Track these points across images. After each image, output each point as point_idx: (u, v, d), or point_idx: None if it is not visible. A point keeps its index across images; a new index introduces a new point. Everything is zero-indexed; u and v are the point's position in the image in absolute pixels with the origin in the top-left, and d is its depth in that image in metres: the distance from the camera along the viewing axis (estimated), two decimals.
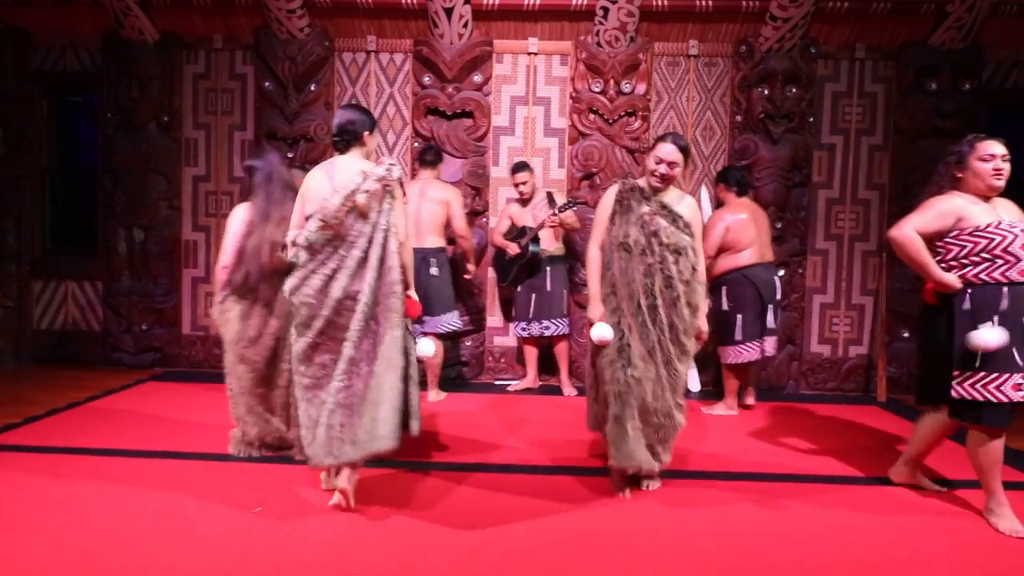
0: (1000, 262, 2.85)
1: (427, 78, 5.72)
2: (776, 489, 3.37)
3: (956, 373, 2.93)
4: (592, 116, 5.67)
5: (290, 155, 5.67)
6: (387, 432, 2.81)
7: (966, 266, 2.93)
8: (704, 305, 3.18)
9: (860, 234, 5.76)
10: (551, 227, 5.14)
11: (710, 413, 4.84)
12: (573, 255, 5.54)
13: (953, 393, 2.93)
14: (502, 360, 5.86)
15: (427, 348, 3.18)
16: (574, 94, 5.70)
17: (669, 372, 3.09)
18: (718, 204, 5.15)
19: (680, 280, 3.07)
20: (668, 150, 3.13)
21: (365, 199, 2.83)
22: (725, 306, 4.78)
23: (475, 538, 2.75)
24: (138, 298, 5.94)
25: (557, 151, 5.83)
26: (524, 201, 5.31)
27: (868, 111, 5.70)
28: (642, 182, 3.21)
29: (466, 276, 5.27)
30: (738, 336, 4.71)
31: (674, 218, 3.11)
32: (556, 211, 5.03)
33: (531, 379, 5.50)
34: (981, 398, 2.86)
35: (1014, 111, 5.78)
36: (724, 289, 4.78)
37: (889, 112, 5.67)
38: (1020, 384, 2.83)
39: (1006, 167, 2.92)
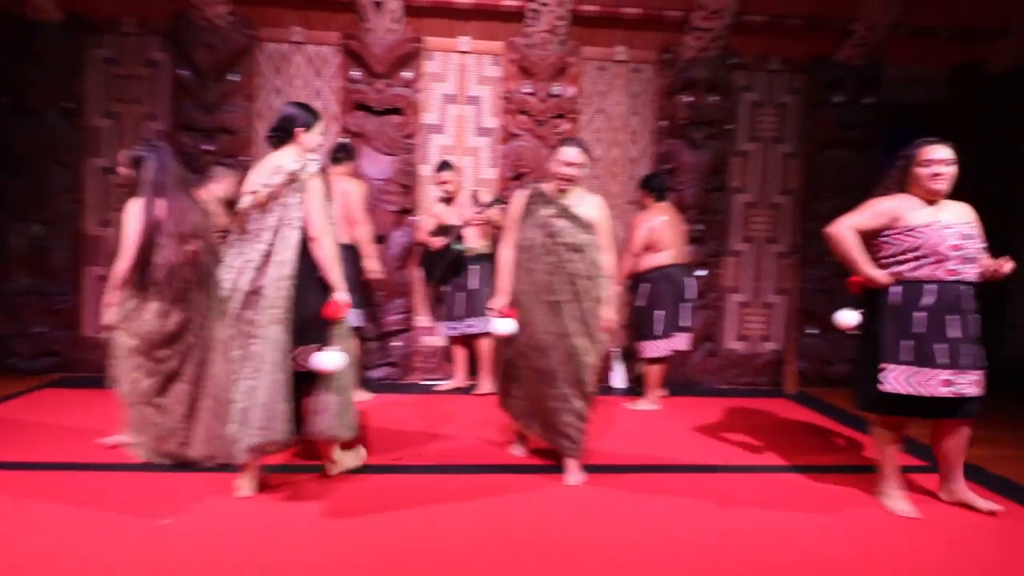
0: (928, 260, 2.96)
1: (355, 72, 5.57)
2: (695, 480, 3.49)
3: (883, 365, 3.02)
4: (523, 117, 5.70)
5: (209, 148, 5.38)
6: (266, 428, 2.83)
7: (899, 263, 3.03)
8: (611, 297, 3.35)
9: (773, 236, 6.07)
10: (476, 225, 5.12)
11: (634, 409, 4.99)
12: None
13: (880, 385, 3.01)
14: (431, 360, 5.80)
15: (328, 361, 2.90)
16: (505, 95, 5.70)
17: (573, 364, 3.25)
18: (639, 209, 5.29)
19: (582, 276, 3.25)
20: (570, 153, 3.32)
21: (265, 193, 2.82)
22: (645, 303, 4.94)
23: (400, 541, 2.70)
24: (35, 298, 5.48)
25: (488, 151, 5.81)
26: (449, 200, 5.26)
27: (781, 120, 6.01)
28: (546, 186, 3.41)
29: (369, 275, 4.97)
30: (657, 331, 4.87)
31: (574, 219, 3.28)
32: (482, 208, 5.04)
33: (459, 379, 5.47)
34: (906, 391, 2.96)
35: (910, 125, 6.22)
36: (645, 287, 4.94)
37: (800, 122, 5.99)
38: (948, 380, 2.93)
39: (946, 171, 2.99)
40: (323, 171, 2.99)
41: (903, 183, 3.12)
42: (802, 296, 6.02)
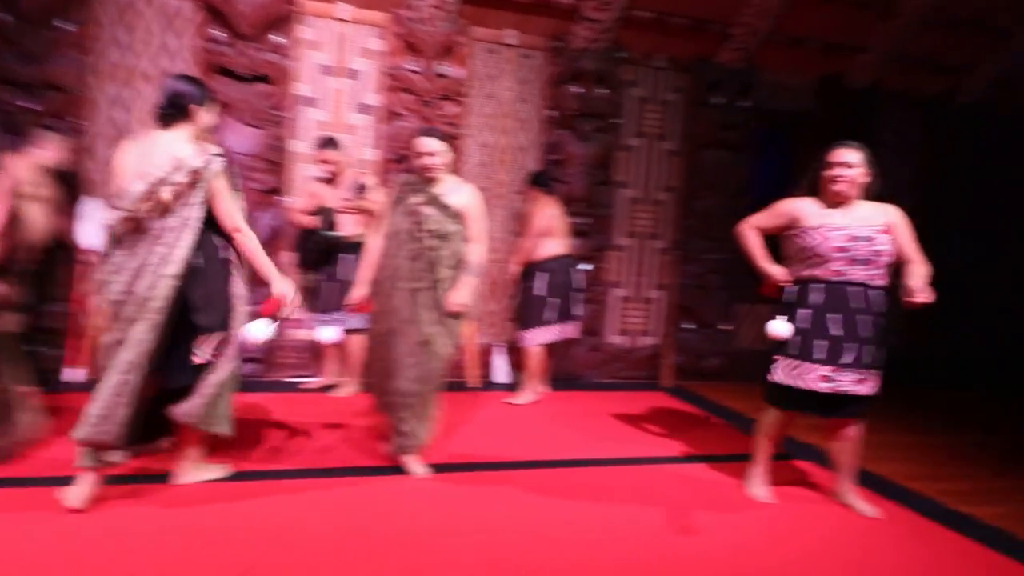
0: (816, 261, 3.06)
1: (217, 32, 4.89)
2: (571, 474, 3.49)
3: (775, 357, 3.16)
4: (407, 96, 5.29)
5: (32, 106, 4.49)
6: (98, 425, 2.63)
7: (796, 262, 3.17)
8: (471, 286, 3.33)
9: (655, 232, 6.10)
10: (350, 211, 4.66)
11: (514, 403, 4.86)
12: None
13: (769, 377, 3.16)
14: (299, 356, 5.27)
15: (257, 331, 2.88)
16: (389, 71, 5.27)
17: (422, 354, 3.23)
18: (525, 201, 5.15)
19: (444, 265, 3.24)
20: (427, 143, 3.29)
21: (170, 194, 2.63)
22: (542, 291, 4.82)
23: (251, 550, 2.52)
24: None
25: (368, 130, 5.34)
26: (330, 181, 4.78)
27: (665, 118, 6.04)
28: (418, 175, 3.36)
29: None
30: (549, 318, 4.80)
31: (443, 207, 3.27)
32: (355, 195, 4.61)
33: (329, 376, 5.00)
34: (790, 383, 3.07)
35: (781, 130, 6.51)
36: (542, 275, 4.82)
37: (683, 120, 6.05)
38: (826, 376, 3.00)
39: (845, 174, 3.02)
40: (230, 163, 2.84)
41: (815, 185, 3.17)
42: (680, 292, 6.11)
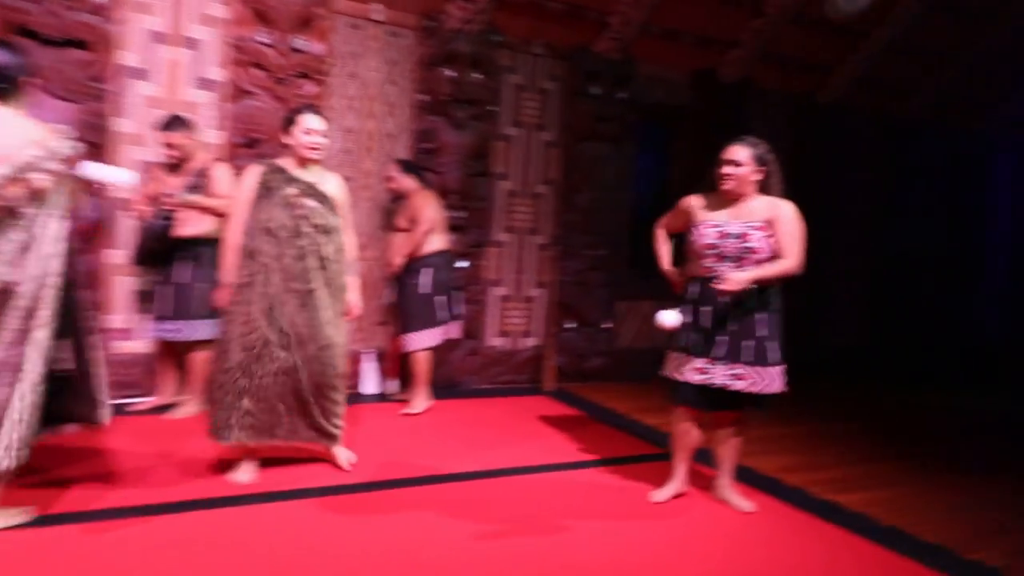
0: (696, 257, 3.15)
1: None
2: (454, 490, 3.29)
3: (670, 352, 3.24)
4: (257, 72, 4.67)
5: None
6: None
7: (690, 259, 3.23)
8: (356, 283, 3.25)
9: (535, 227, 5.80)
10: (183, 206, 3.97)
11: (411, 413, 4.50)
12: None
13: (666, 374, 3.22)
14: (127, 372, 4.48)
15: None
16: (235, 42, 4.61)
17: (325, 357, 3.09)
18: (393, 192, 4.75)
19: (332, 260, 3.08)
20: (314, 121, 3.10)
21: (47, 182, 2.47)
22: (427, 289, 4.48)
23: None
24: None
25: (211, 108, 4.65)
26: (175, 167, 4.08)
27: (543, 107, 5.76)
28: (283, 161, 3.15)
29: None
30: (442, 318, 4.56)
31: (322, 198, 3.09)
32: (177, 191, 3.95)
33: (165, 395, 4.29)
34: (677, 377, 3.15)
35: (656, 122, 6.41)
36: (427, 271, 4.48)
37: (561, 110, 5.78)
38: (701, 368, 3.05)
39: (732, 171, 3.03)
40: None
41: (714, 182, 3.18)
42: (560, 290, 5.84)
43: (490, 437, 4.14)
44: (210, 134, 4.63)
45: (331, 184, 3.18)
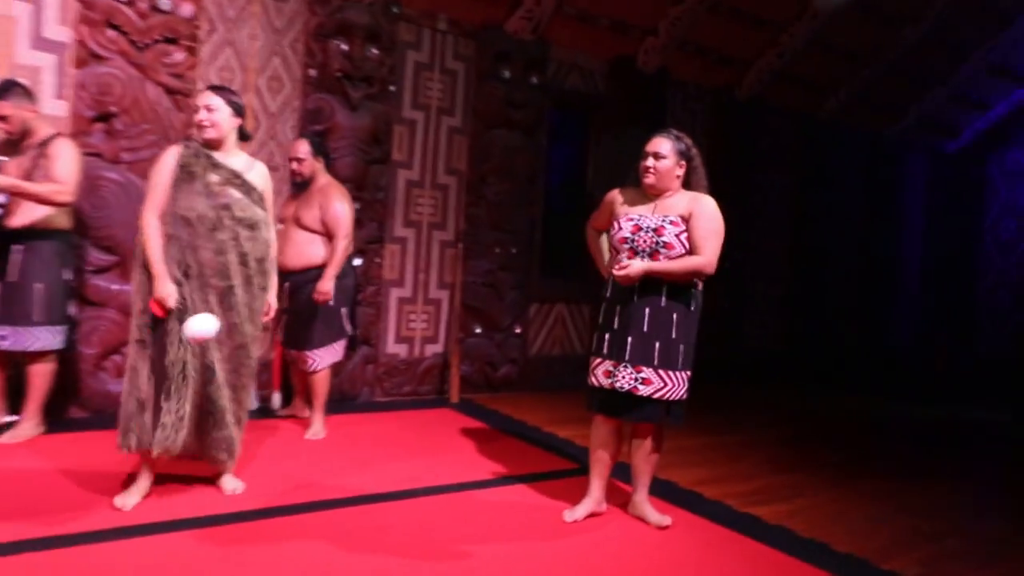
0: (615, 252, 3.09)
1: None
2: (349, 515, 3.04)
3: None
4: (112, 33, 4.18)
5: None
6: None
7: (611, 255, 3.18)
8: (275, 283, 3.13)
9: (439, 222, 5.52)
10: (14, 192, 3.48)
11: (315, 439, 4.10)
12: (85, 230, 3.97)
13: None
14: None
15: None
16: None
17: (242, 358, 2.98)
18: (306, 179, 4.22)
19: (254, 258, 2.96)
20: (207, 96, 2.94)
21: None
22: (338, 298, 4.14)
23: None
24: None
25: (53, 74, 4.12)
26: (9, 143, 3.60)
27: (449, 89, 5.49)
28: (198, 145, 2.96)
29: None
30: (349, 330, 4.27)
31: (247, 189, 2.95)
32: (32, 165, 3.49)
33: None
34: (590, 382, 3.09)
35: (571, 110, 6.25)
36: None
37: (468, 94, 5.54)
38: (609, 371, 2.97)
39: (652, 164, 2.98)
40: None
41: (638, 174, 3.13)
42: (467, 291, 5.57)
43: (389, 456, 3.90)
44: (52, 104, 4.09)
45: (256, 174, 3.02)
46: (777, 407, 6.22)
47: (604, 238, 3.30)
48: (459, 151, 5.57)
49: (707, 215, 2.94)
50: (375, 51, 4.99)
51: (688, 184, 3.03)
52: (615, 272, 2.89)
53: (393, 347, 5.37)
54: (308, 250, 4.05)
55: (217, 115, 2.89)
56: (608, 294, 3.06)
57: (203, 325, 2.73)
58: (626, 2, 5.88)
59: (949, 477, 4.55)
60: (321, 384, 4.17)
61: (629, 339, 2.93)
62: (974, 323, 9.15)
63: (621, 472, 3.45)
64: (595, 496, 3.17)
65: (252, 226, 2.94)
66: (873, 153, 8.34)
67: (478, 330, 5.64)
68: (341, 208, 4.05)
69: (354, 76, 4.91)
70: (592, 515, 3.16)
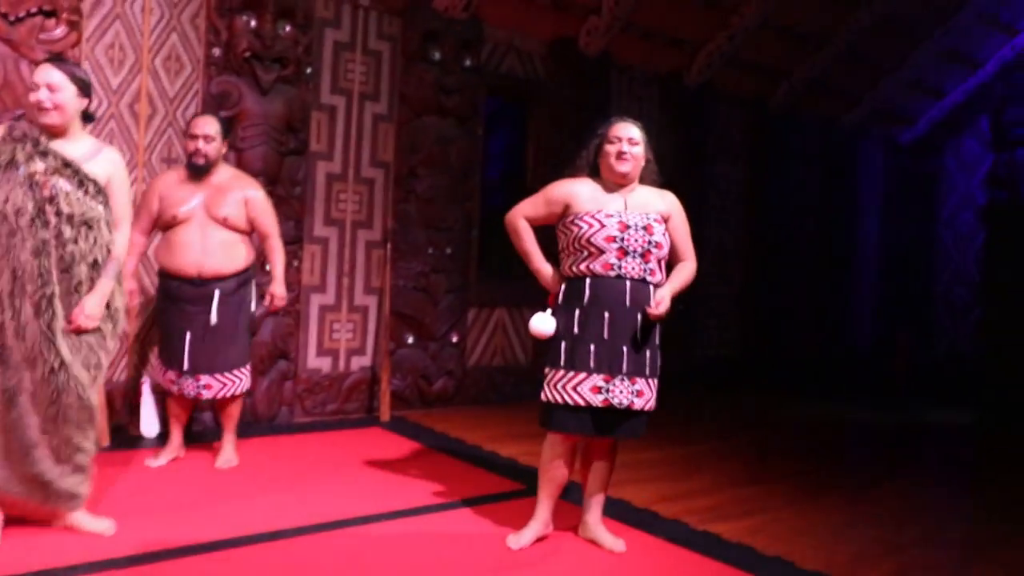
0: (585, 253, 2.95)
1: None
2: (259, 553, 2.91)
3: (547, 371, 3.01)
4: None
5: None
6: None
7: (568, 256, 3.04)
8: (106, 288, 2.83)
9: (364, 220, 5.41)
10: None
11: (157, 464, 3.89)
12: None
13: (541, 395, 3.00)
14: None
15: None
16: None
17: (61, 379, 2.71)
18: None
19: (85, 262, 2.76)
20: (44, 73, 2.73)
21: None
22: (253, 308, 4.02)
23: None
24: None
25: None
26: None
27: (373, 72, 5.40)
28: (37, 128, 2.76)
29: None
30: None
31: (81, 180, 2.77)
32: None
33: None
34: (560, 400, 2.93)
35: (508, 96, 6.22)
36: (250, 286, 3.96)
37: (394, 77, 5.45)
38: (599, 387, 2.89)
39: (631, 151, 2.96)
40: None
41: (594, 164, 3.09)
42: (397, 297, 5.47)
43: (311, 483, 3.79)
44: None
45: (104, 163, 2.84)
46: (734, 416, 6.33)
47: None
48: (386, 141, 5.47)
49: (683, 216, 3.07)
50: (288, 28, 4.84)
51: (641, 178, 3.08)
52: (654, 313, 2.86)
53: (315, 361, 5.22)
54: (236, 252, 3.82)
55: (60, 95, 2.69)
56: (586, 300, 2.93)
57: None
58: None
59: (914, 483, 4.69)
60: (237, 406, 4.00)
61: (625, 349, 2.89)
62: (933, 321, 9.50)
63: (568, 492, 3.41)
64: (543, 518, 3.12)
65: (85, 224, 2.75)
66: (828, 142, 8.58)
67: (410, 340, 5.55)
68: (264, 204, 3.91)
69: (264, 56, 4.74)
70: (539, 539, 3.12)
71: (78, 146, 2.80)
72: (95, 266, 2.80)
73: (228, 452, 4.00)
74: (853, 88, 8.44)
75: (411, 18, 5.45)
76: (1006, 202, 8.02)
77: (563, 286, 3.04)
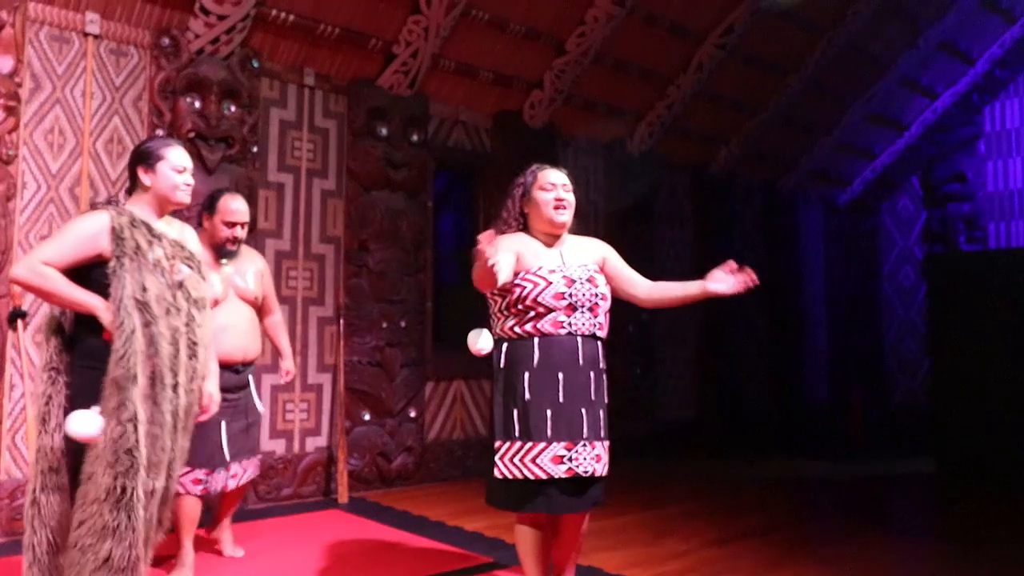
0: (532, 313, 2.78)
1: None
2: None
3: (498, 444, 2.77)
4: None
5: None
6: None
7: (508, 318, 2.84)
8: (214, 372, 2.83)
9: (315, 296, 5.33)
10: None
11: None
12: None
13: (495, 472, 2.75)
14: None
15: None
16: None
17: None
18: None
19: (203, 345, 2.63)
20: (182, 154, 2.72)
21: None
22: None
23: None
24: None
25: None
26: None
27: (320, 149, 5.41)
28: (136, 210, 2.59)
29: None
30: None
31: (196, 261, 2.68)
32: None
33: None
34: (518, 474, 2.69)
35: (456, 170, 6.28)
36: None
37: (342, 153, 5.47)
38: (561, 456, 2.67)
39: (567, 197, 2.86)
40: None
41: (521, 217, 2.95)
42: (351, 372, 5.36)
43: (267, 571, 3.63)
44: None
45: (191, 243, 2.77)
46: (697, 478, 6.29)
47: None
48: (335, 216, 5.44)
49: (614, 251, 3.01)
50: (233, 109, 4.85)
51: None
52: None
53: (268, 443, 5.04)
54: (259, 330, 3.71)
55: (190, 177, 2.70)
56: (535, 362, 2.72)
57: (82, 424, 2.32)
58: (507, 54, 6.03)
59: (882, 533, 4.66)
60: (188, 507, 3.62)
61: (583, 412, 2.70)
62: (884, 374, 9.66)
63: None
64: None
65: (203, 307, 2.66)
66: (769, 205, 8.82)
67: (367, 417, 5.41)
68: (268, 277, 3.85)
69: (209, 136, 4.73)
70: None
71: (171, 227, 2.67)
72: (207, 350, 2.70)
73: (229, 538, 3.78)
74: (789, 152, 8.75)
75: (356, 96, 5.51)
76: (942, 255, 8.30)
77: (504, 347, 2.82)
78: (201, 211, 3.68)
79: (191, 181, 2.66)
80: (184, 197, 2.63)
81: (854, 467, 6.90)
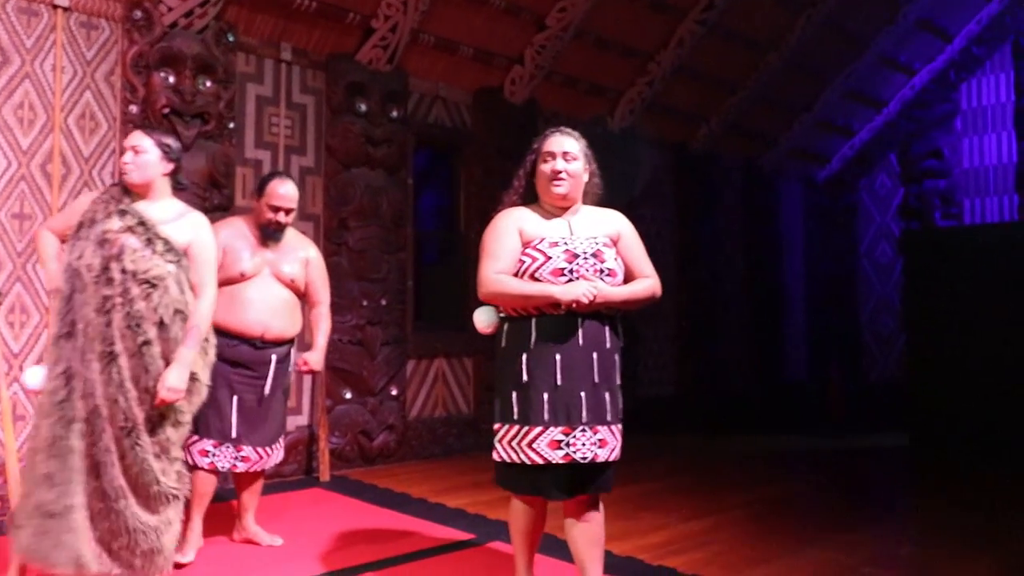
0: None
1: None
2: None
3: (497, 427, 2.65)
4: None
5: None
6: None
7: None
8: (189, 358, 2.74)
9: None
10: None
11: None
12: None
13: (494, 454, 2.64)
14: None
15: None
16: None
17: (131, 444, 2.65)
18: None
19: (152, 322, 2.68)
20: (137, 139, 2.91)
21: None
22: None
23: None
24: None
25: None
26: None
27: (298, 125, 5.32)
28: (117, 190, 2.85)
29: None
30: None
31: (150, 238, 2.75)
32: None
33: None
34: (515, 458, 2.57)
35: (437, 147, 6.20)
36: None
37: (320, 130, 5.38)
38: (558, 441, 2.51)
39: (569, 167, 2.63)
40: None
41: (530, 189, 2.73)
42: (331, 351, 5.28)
43: (249, 550, 3.60)
44: None
45: (187, 225, 2.88)
46: (677, 453, 6.33)
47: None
48: (314, 193, 5.36)
49: (635, 233, 2.76)
50: (209, 84, 4.74)
51: (589, 197, 2.76)
52: (580, 299, 2.46)
53: None
54: (296, 315, 3.59)
55: (143, 157, 2.80)
56: (532, 342, 2.56)
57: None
58: (487, 29, 5.95)
59: (858, 506, 4.72)
60: (262, 480, 3.65)
61: (582, 395, 2.53)
62: (861, 349, 9.74)
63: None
64: None
65: (149, 283, 2.70)
66: (749, 182, 8.82)
67: (348, 395, 5.38)
68: (323, 264, 3.76)
69: (184, 112, 4.63)
70: None
71: (162, 208, 2.83)
72: (162, 326, 2.71)
73: (255, 525, 3.68)
74: (769, 129, 8.74)
75: (334, 71, 5.42)
76: (918, 231, 8.35)
77: (505, 327, 2.68)
78: (254, 192, 3.64)
79: (128, 159, 2.81)
80: (128, 177, 2.81)
81: (832, 441, 6.96)
